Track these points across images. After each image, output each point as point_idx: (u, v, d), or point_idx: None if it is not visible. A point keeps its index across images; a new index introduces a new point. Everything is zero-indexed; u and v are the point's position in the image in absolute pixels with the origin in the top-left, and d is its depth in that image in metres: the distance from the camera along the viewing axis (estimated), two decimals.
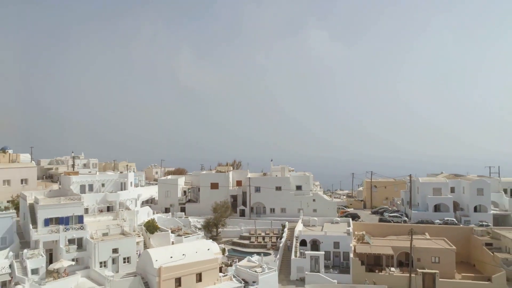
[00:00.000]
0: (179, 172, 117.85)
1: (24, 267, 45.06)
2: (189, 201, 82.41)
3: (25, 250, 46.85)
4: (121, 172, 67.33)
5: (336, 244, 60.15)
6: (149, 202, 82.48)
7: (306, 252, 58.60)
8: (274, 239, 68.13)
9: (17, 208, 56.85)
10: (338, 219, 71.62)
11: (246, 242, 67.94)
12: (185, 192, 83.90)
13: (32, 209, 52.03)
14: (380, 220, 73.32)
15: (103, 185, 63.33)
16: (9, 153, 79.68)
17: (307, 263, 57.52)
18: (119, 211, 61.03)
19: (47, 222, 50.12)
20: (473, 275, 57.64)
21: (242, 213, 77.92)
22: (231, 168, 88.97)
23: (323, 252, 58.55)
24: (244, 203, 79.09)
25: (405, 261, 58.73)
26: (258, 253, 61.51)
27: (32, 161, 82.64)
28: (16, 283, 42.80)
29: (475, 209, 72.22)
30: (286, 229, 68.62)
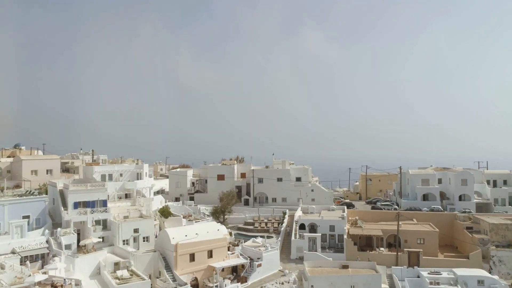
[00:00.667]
0: (184, 167, 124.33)
1: (59, 243, 51.74)
2: (197, 191, 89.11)
3: (59, 229, 53.56)
4: (136, 163, 73.84)
5: (332, 227, 66.83)
6: (159, 193, 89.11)
7: (304, 234, 65.33)
8: (276, 225, 74.82)
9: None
10: (334, 207, 78.34)
11: (251, 227, 74.64)
12: (193, 183, 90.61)
13: (62, 194, 58.67)
14: (373, 208, 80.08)
15: (121, 175, 70.01)
16: (32, 148, 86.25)
17: (306, 244, 64.22)
18: (136, 198, 67.82)
19: (76, 205, 56.81)
20: (454, 254, 64.41)
21: (246, 202, 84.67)
22: (235, 162, 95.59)
23: (320, 234, 65.25)
24: (248, 193, 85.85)
25: (393, 242, 65.39)
26: (262, 236, 68.23)
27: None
28: (54, 255, 49.52)
29: (460, 198, 78.99)
30: (287, 216, 75.27)
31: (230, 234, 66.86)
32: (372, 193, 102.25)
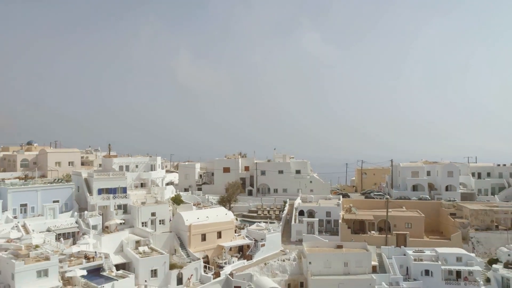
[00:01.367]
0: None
1: (87, 224, 58.75)
2: (204, 183, 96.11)
3: (86, 212, 60.60)
4: (150, 157, 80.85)
5: (328, 213, 73.86)
6: (169, 184, 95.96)
7: (303, 219, 72.36)
8: (277, 212, 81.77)
9: None
10: (331, 196, 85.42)
11: (254, 214, 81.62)
12: (200, 176, 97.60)
13: (87, 182, 65.68)
14: (366, 198, 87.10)
15: (137, 166, 76.96)
16: (44, 145, 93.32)
17: (304, 228, 71.22)
18: (151, 187, 74.80)
19: (100, 191, 63.86)
20: (438, 237, 71.48)
21: (250, 193, 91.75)
22: (239, 157, 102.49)
23: (317, 219, 72.24)
24: (251, 184, 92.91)
25: (384, 227, 72.40)
26: (265, 222, 75.21)
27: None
28: (83, 234, 56.55)
29: (446, 189, 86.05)
30: (287, 205, 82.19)
31: (236, 220, 73.87)
32: (367, 186, 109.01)
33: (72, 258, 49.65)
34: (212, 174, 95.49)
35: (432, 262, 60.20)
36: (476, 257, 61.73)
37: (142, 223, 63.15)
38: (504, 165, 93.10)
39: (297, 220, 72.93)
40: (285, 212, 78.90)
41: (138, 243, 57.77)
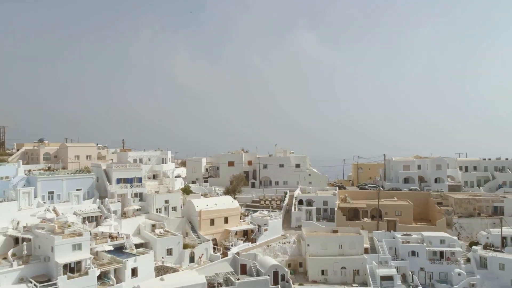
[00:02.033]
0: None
1: (108, 209, 65.40)
2: (210, 176, 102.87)
3: (106, 199, 67.31)
4: (161, 151, 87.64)
5: (325, 202, 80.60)
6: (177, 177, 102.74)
7: (302, 207, 79.08)
8: (278, 202, 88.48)
9: None
10: (328, 187, 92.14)
11: (257, 204, 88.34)
12: (206, 169, 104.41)
13: (106, 173, 72.36)
14: (360, 189, 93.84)
15: (149, 159, 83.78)
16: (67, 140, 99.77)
17: (303, 215, 77.92)
18: (163, 178, 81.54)
19: (118, 181, 70.57)
20: (425, 223, 78.21)
21: (253, 185, 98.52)
22: (243, 152, 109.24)
23: (315, 208, 78.94)
24: (254, 177, 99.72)
25: (376, 214, 79.08)
26: (267, 210, 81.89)
27: None
28: (106, 217, 63.27)
29: (435, 181, 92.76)
30: (287, 196, 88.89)
31: (241, 208, 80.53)
32: (363, 180, 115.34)
33: (97, 238, 56.36)
34: (218, 168, 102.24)
35: (418, 244, 66.83)
36: (458, 240, 68.41)
37: (157, 209, 69.79)
38: (490, 159, 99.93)
39: (296, 208, 79.64)
40: (285, 202, 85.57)
41: (154, 226, 64.41)
